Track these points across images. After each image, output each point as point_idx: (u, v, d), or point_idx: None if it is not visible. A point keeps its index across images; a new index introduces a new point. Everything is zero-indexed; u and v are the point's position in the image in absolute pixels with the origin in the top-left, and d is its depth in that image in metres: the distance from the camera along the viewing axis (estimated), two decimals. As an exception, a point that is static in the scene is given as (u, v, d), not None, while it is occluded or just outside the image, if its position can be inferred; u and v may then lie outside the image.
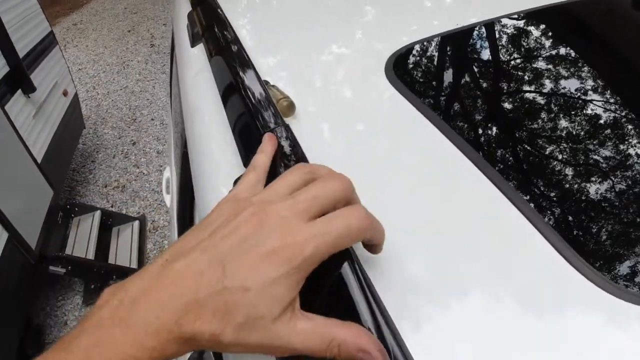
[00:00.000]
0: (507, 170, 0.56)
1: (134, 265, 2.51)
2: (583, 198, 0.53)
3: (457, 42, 0.85)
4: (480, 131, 0.63)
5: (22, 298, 2.05)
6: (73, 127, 3.11)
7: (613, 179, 0.55)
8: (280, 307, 0.33)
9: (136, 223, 2.80)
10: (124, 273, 2.45)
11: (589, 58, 0.79)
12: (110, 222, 2.75)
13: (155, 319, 0.32)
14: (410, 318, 0.40)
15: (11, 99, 2.25)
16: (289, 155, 0.51)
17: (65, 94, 2.98)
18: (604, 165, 0.57)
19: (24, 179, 2.13)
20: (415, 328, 0.39)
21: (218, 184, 0.62)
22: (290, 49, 0.88)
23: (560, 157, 0.58)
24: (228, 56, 0.75)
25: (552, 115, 0.65)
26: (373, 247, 0.41)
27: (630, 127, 0.63)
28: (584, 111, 0.66)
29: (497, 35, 0.85)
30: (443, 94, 0.73)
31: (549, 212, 0.51)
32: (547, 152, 0.59)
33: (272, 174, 0.47)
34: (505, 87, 0.72)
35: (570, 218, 0.51)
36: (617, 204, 0.52)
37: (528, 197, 0.52)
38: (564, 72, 0.73)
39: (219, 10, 0.98)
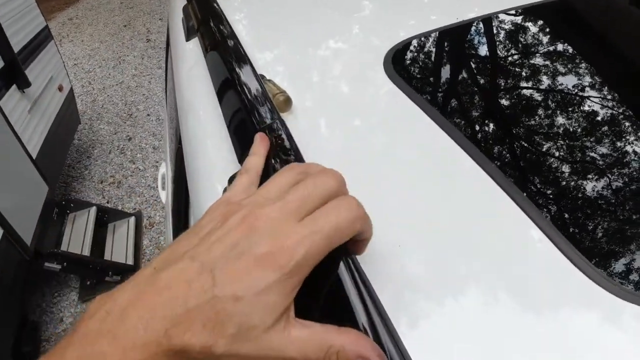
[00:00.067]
0: (506, 166, 0.55)
1: (130, 261, 2.50)
2: (583, 193, 0.52)
3: (457, 36, 0.85)
4: (480, 126, 0.63)
5: (18, 295, 2.03)
6: (68, 123, 3.10)
7: (614, 174, 0.54)
8: (274, 316, 0.32)
9: (132, 219, 2.79)
10: (119, 269, 2.45)
11: (588, 53, 0.79)
12: (106, 218, 2.74)
13: (144, 330, 0.30)
14: (409, 318, 0.39)
15: (6, 94, 2.23)
16: (285, 152, 0.50)
17: (60, 89, 2.96)
18: (604, 160, 0.56)
19: (19, 175, 2.11)
20: (414, 329, 0.39)
21: (213, 180, 0.61)
22: (288, 44, 0.87)
23: (559, 152, 0.58)
24: (224, 51, 0.74)
25: (550, 111, 0.64)
26: (359, 244, 0.40)
27: (628, 123, 0.62)
28: (581, 107, 0.65)
29: (497, 30, 0.85)
30: (442, 89, 0.72)
31: (548, 207, 0.50)
32: (545, 148, 0.58)
33: (266, 174, 0.46)
34: (505, 83, 0.71)
35: (570, 214, 0.50)
36: (617, 200, 0.51)
37: (527, 192, 0.51)
38: (563, 68, 0.73)
39: (214, 3, 0.96)
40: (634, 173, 0.54)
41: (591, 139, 0.59)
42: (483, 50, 0.80)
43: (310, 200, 0.36)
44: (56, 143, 2.75)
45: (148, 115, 3.95)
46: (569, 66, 0.73)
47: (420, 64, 0.76)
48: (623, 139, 0.59)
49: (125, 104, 4.14)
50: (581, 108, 0.65)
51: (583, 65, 0.74)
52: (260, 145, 0.49)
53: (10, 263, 1.93)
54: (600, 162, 0.56)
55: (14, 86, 2.34)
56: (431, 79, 0.75)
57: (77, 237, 2.41)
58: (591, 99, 0.66)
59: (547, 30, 0.85)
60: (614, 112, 0.64)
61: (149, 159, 3.43)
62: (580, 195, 0.52)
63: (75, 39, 5.44)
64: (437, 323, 0.39)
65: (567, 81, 0.70)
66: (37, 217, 2.18)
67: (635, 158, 0.56)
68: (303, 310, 0.34)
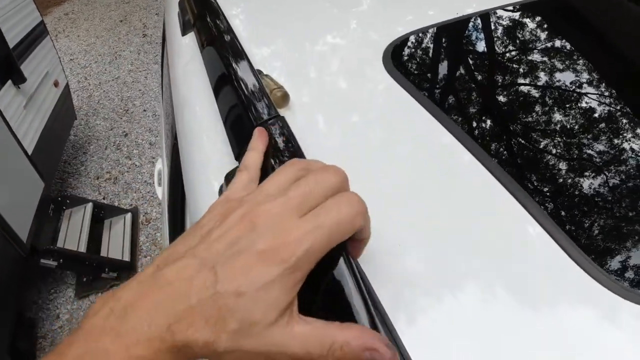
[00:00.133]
0: (506, 161, 0.55)
1: (127, 258, 2.50)
2: (584, 189, 0.52)
3: (456, 32, 0.84)
4: (480, 122, 0.62)
5: (14, 291, 2.03)
6: (64, 118, 3.08)
7: (615, 170, 0.54)
8: (277, 312, 0.32)
9: (128, 215, 2.78)
10: (116, 266, 2.44)
11: (588, 49, 0.78)
12: (102, 214, 2.73)
13: (147, 327, 0.30)
14: (408, 317, 0.39)
15: (1, 90, 2.22)
16: (284, 149, 0.49)
17: (56, 84, 2.95)
18: (604, 156, 0.56)
19: (15, 171, 2.10)
20: (413, 327, 0.39)
21: (208, 176, 0.61)
22: (285, 39, 0.86)
23: (558, 148, 0.57)
24: (220, 46, 0.73)
25: (550, 106, 0.64)
26: (357, 245, 0.40)
27: (629, 119, 0.62)
28: (581, 103, 0.65)
29: (496, 26, 0.84)
30: (442, 84, 0.72)
31: (549, 204, 0.50)
32: (545, 143, 0.58)
33: (265, 170, 0.46)
34: (505, 78, 0.71)
35: (572, 211, 0.50)
36: (618, 197, 0.51)
37: (527, 188, 0.51)
38: (563, 64, 0.72)
39: (211, -3, 0.96)
40: (635, 169, 0.54)
41: (591, 135, 0.59)
42: (483, 46, 0.79)
43: (312, 196, 0.36)
44: (52, 139, 2.74)
45: (144, 110, 3.94)
46: (568, 62, 0.73)
47: (420, 59, 0.76)
48: (623, 135, 0.58)
49: (121, 100, 4.12)
50: (581, 104, 0.64)
51: (582, 61, 0.74)
52: (259, 141, 0.48)
53: (6, 259, 1.93)
54: (600, 159, 0.56)
55: (9, 82, 2.33)
56: (431, 74, 0.74)
57: (73, 233, 2.40)
58: (591, 94, 0.66)
59: (547, 26, 0.84)
60: (615, 108, 0.64)
61: (145, 155, 3.42)
62: (582, 191, 0.52)
63: (71, 34, 5.42)
64: (437, 321, 0.39)
65: (567, 77, 0.69)
66: (33, 214, 2.17)
67: (634, 155, 0.55)
68: (302, 308, 0.34)
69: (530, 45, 0.78)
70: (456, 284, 0.41)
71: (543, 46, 0.77)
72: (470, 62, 0.76)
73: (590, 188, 0.52)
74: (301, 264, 0.32)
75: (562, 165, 0.55)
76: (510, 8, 0.87)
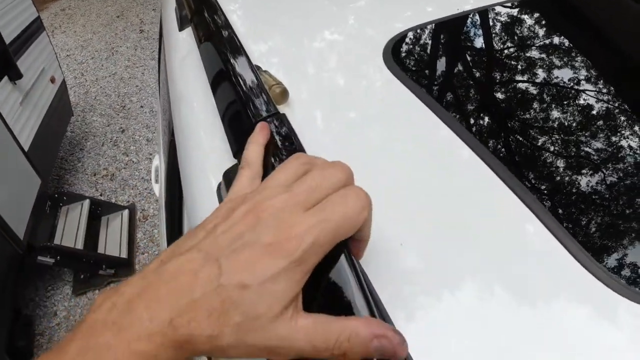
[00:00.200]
0: (508, 159, 0.55)
1: (124, 254, 2.49)
2: (583, 186, 0.52)
3: (457, 27, 0.83)
4: (482, 119, 0.62)
5: (10, 289, 2.03)
6: (61, 115, 3.07)
7: (616, 167, 0.54)
8: (281, 305, 0.31)
9: (126, 212, 2.77)
10: (113, 263, 2.43)
11: (590, 45, 0.78)
12: (99, 211, 2.72)
13: (149, 321, 0.30)
14: (409, 314, 0.39)
15: (-3, 86, 2.21)
16: (285, 147, 0.49)
17: (52, 80, 2.94)
18: (604, 153, 0.56)
19: (11, 168, 2.09)
20: (415, 324, 0.39)
21: (206, 173, 0.60)
22: (284, 35, 0.85)
23: (558, 144, 0.57)
24: (218, 41, 0.72)
25: (547, 104, 0.64)
26: (358, 245, 0.39)
27: (625, 117, 0.62)
28: (583, 98, 0.65)
29: (497, 21, 0.84)
30: (443, 80, 0.71)
31: (549, 199, 0.50)
32: (544, 139, 0.58)
33: (266, 167, 0.45)
34: (506, 74, 0.71)
35: (571, 208, 0.50)
36: (620, 194, 0.50)
37: (527, 184, 0.51)
38: (563, 60, 0.72)
39: (208, -8, 0.95)
40: (634, 167, 0.54)
41: (589, 132, 0.59)
42: (484, 42, 0.79)
43: (318, 191, 0.36)
44: (48, 135, 2.73)
45: (141, 107, 3.92)
46: (568, 58, 0.73)
47: (420, 55, 0.75)
48: (622, 132, 0.58)
49: (118, 96, 4.11)
50: (580, 100, 0.64)
51: (581, 57, 0.74)
52: (260, 135, 0.48)
53: (3, 257, 1.92)
54: (600, 155, 0.56)
55: (6, 78, 2.32)
56: (431, 70, 0.74)
57: (71, 230, 2.40)
58: (590, 91, 0.66)
59: (547, 22, 0.84)
60: (615, 104, 0.63)
61: (142, 151, 3.41)
62: (582, 188, 0.52)
63: (67, 29, 5.39)
64: (438, 319, 0.39)
65: (566, 73, 0.69)
66: (29, 211, 2.16)
67: (632, 152, 0.55)
68: (304, 306, 0.34)
69: (531, 42, 0.77)
70: (457, 282, 0.41)
71: (543, 42, 0.77)
72: (471, 58, 0.76)
73: (589, 185, 0.52)
74: (307, 257, 0.32)
75: (562, 162, 0.55)
76: (509, 4, 0.87)
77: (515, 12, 0.85)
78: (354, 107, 0.63)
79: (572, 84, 0.67)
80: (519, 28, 0.81)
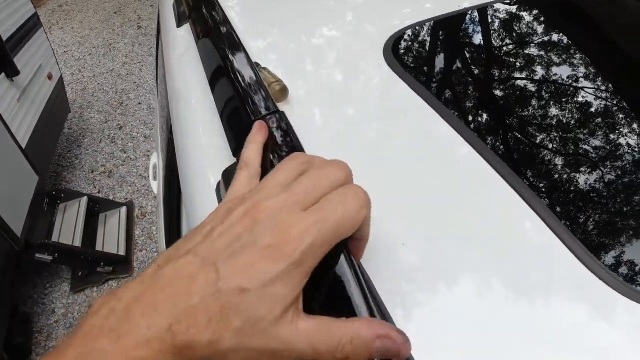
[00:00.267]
0: (511, 158, 0.55)
1: (122, 252, 2.49)
2: (583, 183, 0.52)
3: (458, 24, 0.83)
4: (484, 117, 0.61)
5: (8, 286, 2.02)
6: (58, 112, 3.06)
7: (614, 164, 0.53)
8: (281, 308, 0.31)
9: (124, 209, 2.77)
10: (111, 260, 2.43)
11: (588, 42, 0.78)
12: (97, 208, 2.72)
13: (147, 328, 0.29)
14: (408, 312, 0.39)
15: (-6, 83, 2.20)
16: (284, 145, 0.48)
17: (50, 77, 2.93)
18: (603, 150, 0.56)
19: (8, 165, 2.08)
20: (416, 324, 0.39)
21: (205, 171, 0.60)
22: (284, 32, 0.85)
23: (557, 140, 0.57)
24: (216, 38, 0.71)
25: (547, 100, 0.64)
26: (357, 245, 0.39)
27: (622, 115, 0.61)
28: (577, 97, 0.65)
29: (498, 18, 0.83)
30: (444, 77, 0.71)
31: (549, 196, 0.50)
32: (544, 135, 0.58)
33: (265, 166, 0.45)
34: (508, 71, 0.70)
35: (571, 205, 0.50)
36: (622, 191, 0.50)
37: (527, 180, 0.51)
38: (564, 56, 0.72)
39: (206, -12, 0.94)
40: (633, 164, 0.54)
41: (587, 129, 0.59)
42: (486, 39, 0.78)
43: (316, 191, 0.35)
44: (46, 132, 2.72)
45: (139, 103, 3.92)
46: (568, 55, 0.73)
47: (421, 52, 0.75)
48: (621, 130, 0.58)
49: (116, 92, 4.10)
50: (579, 97, 0.64)
51: (581, 54, 0.73)
52: (258, 134, 0.47)
53: (1, 254, 1.92)
54: (598, 153, 0.56)
55: (3, 75, 2.31)
56: (432, 67, 0.73)
57: (68, 227, 2.39)
58: (588, 88, 0.66)
59: (548, 19, 0.83)
60: (617, 101, 0.63)
61: (140, 148, 3.40)
62: (582, 185, 0.52)
63: (65, 26, 5.38)
64: (439, 318, 0.39)
65: (566, 70, 0.69)
66: (27, 208, 2.16)
67: (631, 150, 0.55)
68: (303, 308, 0.33)
69: (531, 39, 0.77)
70: (457, 280, 0.41)
71: (542, 40, 0.76)
72: (473, 55, 0.76)
73: (589, 182, 0.52)
74: (306, 259, 0.31)
75: (562, 159, 0.55)
76: (509, 1, 0.87)
77: (515, 9, 0.85)
78: (355, 105, 0.63)
79: (570, 81, 0.67)
80: (519, 25, 0.80)
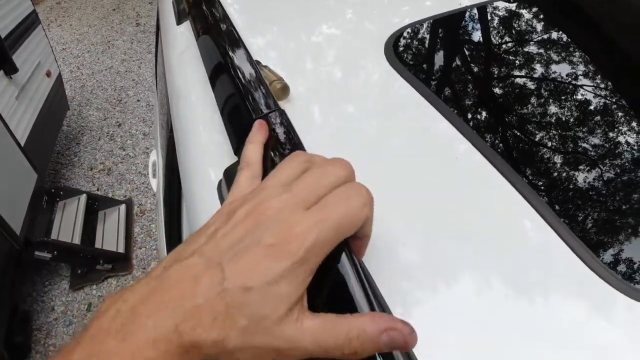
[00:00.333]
0: (515, 159, 0.54)
1: (121, 249, 2.49)
2: (581, 180, 0.52)
3: (459, 22, 0.83)
4: (486, 116, 0.61)
5: (8, 284, 2.02)
6: (57, 109, 3.05)
7: (614, 162, 0.53)
8: (286, 306, 0.31)
9: (123, 207, 2.77)
10: (110, 258, 2.43)
11: (590, 40, 0.78)
12: (96, 205, 2.72)
13: (153, 328, 0.30)
14: (409, 310, 0.40)
15: (-8, 81, 2.19)
16: (285, 144, 0.48)
17: (48, 74, 2.92)
18: (602, 149, 0.56)
19: (7, 163, 2.08)
20: (417, 323, 0.38)
21: (206, 169, 0.60)
22: (284, 29, 0.85)
23: (557, 138, 0.58)
24: (217, 35, 0.71)
25: (548, 98, 0.64)
26: (359, 242, 0.39)
27: (622, 113, 0.61)
28: (576, 94, 0.65)
29: (500, 16, 0.83)
30: (445, 76, 0.71)
31: (547, 192, 0.50)
32: (544, 133, 0.58)
33: (266, 165, 0.45)
34: (509, 69, 0.70)
35: (570, 202, 0.50)
36: (623, 189, 0.50)
37: (527, 178, 0.51)
38: (564, 55, 0.72)
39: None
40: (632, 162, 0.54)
41: (587, 127, 0.59)
42: (487, 37, 0.78)
43: (318, 189, 0.35)
44: (45, 130, 2.71)
45: (138, 100, 3.91)
46: (569, 53, 0.73)
47: (422, 50, 0.75)
48: (620, 128, 0.58)
49: (114, 90, 4.09)
50: (581, 94, 0.64)
51: (583, 52, 0.73)
52: (259, 134, 0.47)
53: (0, 252, 1.91)
54: (596, 151, 0.56)
55: (1, 72, 2.31)
56: (433, 65, 0.73)
57: (67, 225, 2.39)
58: (592, 85, 0.65)
59: (549, 17, 0.83)
60: (616, 99, 0.63)
61: (139, 146, 3.40)
62: (583, 183, 0.52)
63: (63, 23, 5.37)
64: (440, 316, 0.39)
65: (567, 68, 0.69)
66: (26, 206, 2.15)
67: (629, 148, 0.55)
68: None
69: (532, 37, 0.77)
70: (457, 277, 0.42)
71: (544, 38, 0.76)
72: (474, 53, 0.75)
73: (588, 180, 0.52)
74: (309, 257, 0.32)
75: (561, 156, 0.55)
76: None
77: (516, 7, 0.85)
78: (356, 103, 0.63)
79: (569, 79, 0.67)
80: (520, 23, 0.80)
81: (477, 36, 0.78)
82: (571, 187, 0.51)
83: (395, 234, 0.45)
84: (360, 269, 0.36)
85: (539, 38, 0.76)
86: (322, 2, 0.93)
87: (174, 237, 1.04)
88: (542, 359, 0.36)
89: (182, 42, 0.87)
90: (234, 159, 0.53)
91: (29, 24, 2.80)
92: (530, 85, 0.66)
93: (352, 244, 0.38)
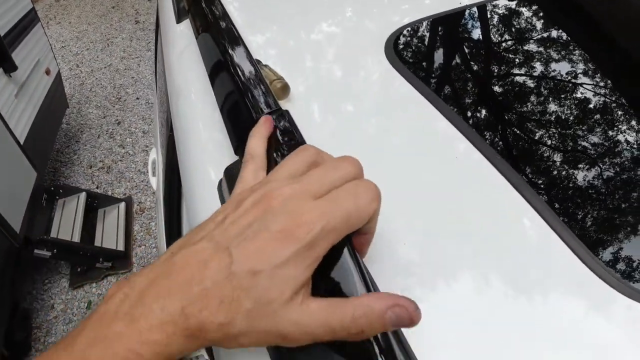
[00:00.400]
0: (515, 158, 0.54)
1: (121, 247, 2.49)
2: (580, 180, 0.52)
3: (460, 21, 0.83)
4: (487, 115, 0.61)
5: (8, 282, 2.02)
6: (56, 107, 3.05)
7: (613, 160, 0.53)
8: (292, 290, 0.31)
9: (122, 205, 2.77)
10: (110, 255, 2.43)
11: (592, 38, 0.78)
12: (95, 203, 2.71)
13: (160, 310, 0.30)
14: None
15: (-8, 79, 2.19)
16: (288, 144, 0.48)
17: (47, 72, 2.92)
18: (601, 147, 0.56)
19: (6, 161, 2.08)
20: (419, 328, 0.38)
21: (206, 167, 0.60)
22: (284, 27, 0.84)
23: (557, 138, 0.58)
24: (216, 33, 0.71)
25: (550, 97, 0.64)
26: (363, 240, 0.39)
27: (621, 111, 0.61)
28: (575, 93, 0.65)
29: (500, 15, 0.83)
30: (444, 75, 0.70)
31: (546, 192, 0.50)
32: (543, 132, 0.58)
33: (269, 161, 0.45)
34: (510, 68, 0.70)
35: (569, 202, 0.50)
36: (623, 189, 0.50)
37: (526, 177, 0.51)
38: (564, 54, 0.72)
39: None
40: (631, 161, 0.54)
41: (586, 126, 0.59)
42: (488, 36, 0.78)
43: (327, 183, 0.35)
44: (44, 128, 2.71)
45: (137, 98, 3.91)
46: (569, 52, 0.73)
47: (423, 49, 0.75)
48: (622, 126, 0.58)
49: (114, 87, 4.09)
50: (580, 92, 0.64)
51: (583, 51, 0.73)
52: (263, 127, 0.47)
53: (0, 250, 1.91)
54: (595, 150, 0.56)
55: (0, 70, 2.30)
56: (434, 64, 0.73)
57: (67, 223, 2.39)
58: (591, 83, 0.65)
59: (551, 15, 0.83)
60: (616, 97, 0.63)
61: (138, 144, 3.40)
62: (582, 182, 0.52)
63: (62, 21, 5.36)
64: (438, 314, 0.39)
65: (567, 67, 0.69)
66: (25, 204, 2.15)
67: (629, 147, 0.55)
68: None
69: (534, 36, 0.77)
70: (456, 276, 0.42)
71: (543, 36, 0.76)
72: (474, 52, 0.75)
73: (588, 179, 0.52)
74: (317, 242, 0.32)
75: (561, 155, 0.55)
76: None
77: (517, 6, 0.84)
78: (356, 103, 0.63)
79: (569, 77, 0.67)
80: (520, 22, 0.80)
81: (477, 35, 0.78)
82: (570, 186, 0.51)
83: (395, 233, 0.45)
84: (363, 266, 0.37)
85: (539, 37, 0.76)
86: (322, 0, 0.93)
87: (173, 235, 1.04)
88: (540, 358, 0.36)
89: (182, 40, 0.87)
90: (234, 157, 0.53)
91: (28, 21, 2.79)
92: (530, 84, 0.66)
93: (356, 240, 0.38)
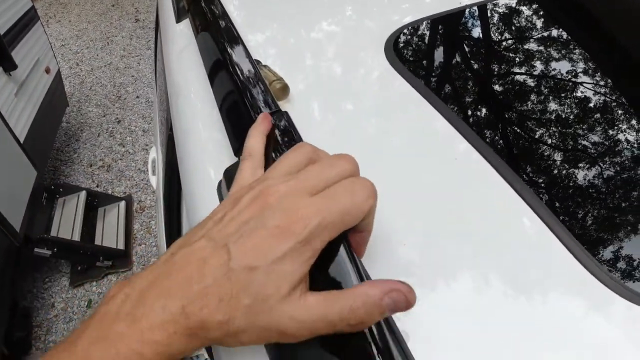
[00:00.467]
0: (515, 158, 0.54)
1: (121, 246, 2.49)
2: (579, 180, 0.52)
3: (460, 21, 0.83)
4: (487, 115, 0.61)
5: (8, 281, 2.02)
6: (56, 105, 3.05)
7: (613, 160, 0.53)
8: (289, 285, 0.31)
9: (122, 203, 2.77)
10: (110, 254, 2.43)
11: (593, 38, 0.78)
12: (96, 202, 2.72)
13: (161, 310, 0.31)
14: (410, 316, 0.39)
15: (-9, 77, 2.19)
16: (287, 145, 0.48)
17: (47, 71, 2.92)
18: (601, 147, 0.56)
19: (6, 160, 2.08)
20: (413, 321, 0.39)
21: (205, 167, 0.60)
22: (284, 27, 0.84)
23: (557, 138, 0.58)
24: (216, 33, 0.71)
25: (542, 98, 0.64)
26: (360, 238, 0.39)
27: (621, 111, 0.61)
28: (575, 92, 0.65)
29: (500, 15, 0.83)
30: (445, 75, 0.70)
31: (545, 192, 0.50)
32: (542, 132, 0.58)
33: (267, 159, 0.45)
34: (511, 68, 0.70)
35: (568, 203, 0.50)
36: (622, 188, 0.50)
37: (525, 177, 0.51)
38: (564, 53, 0.72)
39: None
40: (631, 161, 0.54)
41: (586, 126, 0.59)
42: (488, 36, 0.78)
43: (324, 180, 0.36)
44: (44, 126, 2.71)
45: (137, 97, 3.90)
46: (569, 51, 0.73)
47: (422, 49, 0.75)
48: (621, 125, 0.58)
49: (114, 86, 4.09)
50: (580, 92, 0.64)
51: (583, 50, 0.73)
52: (261, 124, 0.47)
53: (0, 249, 1.91)
54: (596, 150, 0.56)
55: (0, 69, 2.30)
56: (434, 64, 0.73)
57: (67, 222, 2.39)
58: (591, 83, 0.65)
59: (551, 15, 0.83)
60: (615, 97, 0.63)
61: (138, 142, 3.40)
62: (581, 182, 0.52)
63: (62, 19, 5.36)
64: (435, 315, 0.39)
65: (566, 66, 0.69)
66: (25, 202, 2.15)
67: (629, 147, 0.55)
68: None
69: (534, 36, 0.77)
70: (454, 276, 0.42)
71: (543, 35, 0.76)
72: (474, 52, 0.75)
73: (586, 179, 0.52)
74: (313, 238, 0.32)
75: (559, 156, 0.55)
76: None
77: (517, 5, 0.84)
78: (355, 103, 0.63)
79: (569, 76, 0.67)
80: (520, 22, 0.80)
81: (477, 35, 0.78)
82: (569, 186, 0.51)
83: (394, 234, 0.45)
84: (359, 263, 0.37)
85: (539, 36, 0.76)
86: (322, 0, 0.93)
87: (173, 234, 1.04)
88: (539, 358, 0.37)
89: (182, 39, 0.87)
90: (234, 158, 0.53)
91: (27, 20, 2.79)
92: (529, 84, 0.66)
93: (353, 238, 0.38)
